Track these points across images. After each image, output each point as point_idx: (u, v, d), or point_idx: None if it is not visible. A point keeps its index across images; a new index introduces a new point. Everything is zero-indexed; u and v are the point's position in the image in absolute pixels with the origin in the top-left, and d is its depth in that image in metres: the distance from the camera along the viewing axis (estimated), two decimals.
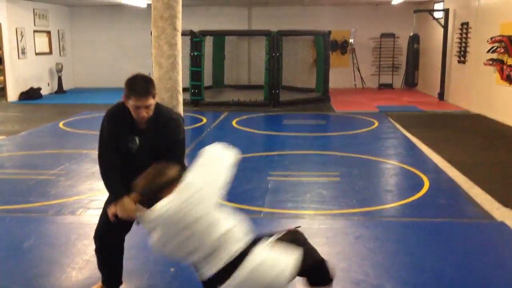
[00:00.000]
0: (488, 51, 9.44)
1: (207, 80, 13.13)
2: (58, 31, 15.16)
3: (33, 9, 13.80)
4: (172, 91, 4.37)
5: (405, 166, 6.47)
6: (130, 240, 3.18)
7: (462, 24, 11.42)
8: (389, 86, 15.52)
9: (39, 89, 13.67)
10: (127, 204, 2.66)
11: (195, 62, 11.69)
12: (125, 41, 15.81)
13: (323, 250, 3.80)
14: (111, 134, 2.86)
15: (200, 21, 14.02)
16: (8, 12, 12.68)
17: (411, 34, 13.69)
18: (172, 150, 2.82)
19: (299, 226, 2.74)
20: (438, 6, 13.14)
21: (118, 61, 15.63)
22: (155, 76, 4.37)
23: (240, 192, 5.32)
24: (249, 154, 7.18)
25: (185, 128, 3.04)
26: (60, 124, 9.50)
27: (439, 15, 12.80)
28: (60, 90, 14.66)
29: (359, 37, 15.51)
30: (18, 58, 13.06)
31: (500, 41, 9.17)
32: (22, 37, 13.16)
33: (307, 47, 14.05)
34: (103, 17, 15.89)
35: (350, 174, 6.01)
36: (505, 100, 9.34)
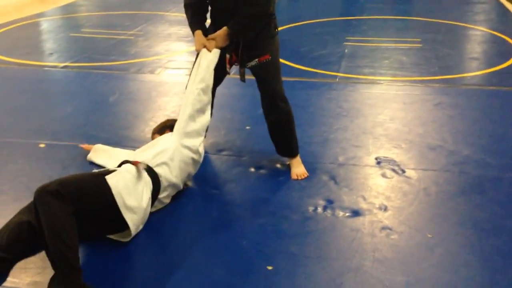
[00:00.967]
0: None
1: None
2: None
3: None
4: None
5: (494, 32, 5.99)
6: None
7: None
8: None
9: None
10: (198, 36, 2.74)
11: None
12: None
13: (400, 115, 3.75)
14: None
15: None
16: None
17: None
18: None
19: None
20: None
21: None
22: None
23: (316, 56, 5.21)
24: (325, 18, 6.90)
25: None
26: None
27: None
28: None
29: None
30: None
31: None
32: None
33: None
34: None
35: (434, 41, 5.67)
36: None
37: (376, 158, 3.13)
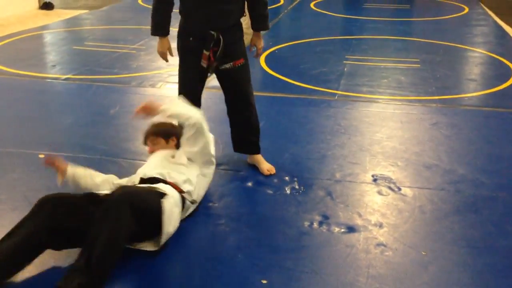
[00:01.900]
0: None
1: None
2: None
3: None
4: None
5: (492, 54, 6.06)
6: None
7: None
8: None
9: None
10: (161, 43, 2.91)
11: None
12: None
13: (397, 134, 3.79)
14: None
15: None
16: None
17: None
18: None
19: None
20: None
21: None
22: None
23: (316, 74, 5.26)
24: (325, 37, 6.99)
25: None
26: (139, 0, 9.57)
27: None
28: None
29: None
30: None
31: None
32: None
33: None
34: None
35: (432, 61, 5.74)
36: None
37: (372, 175, 3.16)
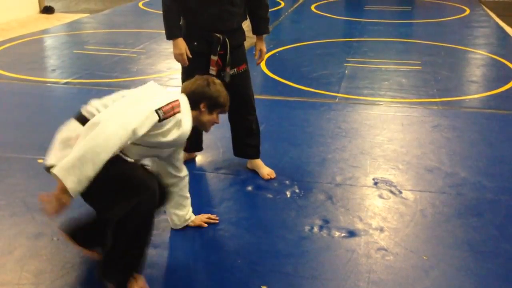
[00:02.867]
0: None
1: None
2: None
3: None
4: None
5: (494, 56, 6.04)
6: None
7: None
8: None
9: None
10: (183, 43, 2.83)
11: None
12: None
13: (398, 136, 3.77)
14: None
15: None
16: None
17: None
18: None
19: None
20: None
21: None
22: None
23: (316, 77, 5.25)
24: (326, 39, 6.97)
25: None
26: (140, 4, 9.59)
27: None
28: None
29: None
30: None
31: None
32: None
33: None
34: None
35: (433, 63, 5.72)
36: None
37: (373, 179, 3.14)
